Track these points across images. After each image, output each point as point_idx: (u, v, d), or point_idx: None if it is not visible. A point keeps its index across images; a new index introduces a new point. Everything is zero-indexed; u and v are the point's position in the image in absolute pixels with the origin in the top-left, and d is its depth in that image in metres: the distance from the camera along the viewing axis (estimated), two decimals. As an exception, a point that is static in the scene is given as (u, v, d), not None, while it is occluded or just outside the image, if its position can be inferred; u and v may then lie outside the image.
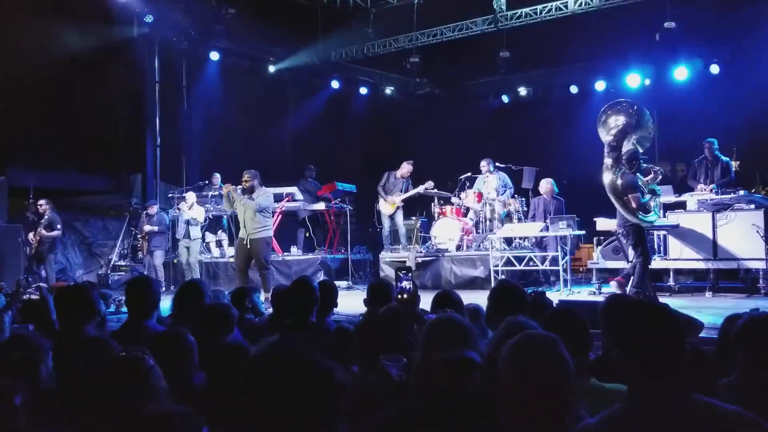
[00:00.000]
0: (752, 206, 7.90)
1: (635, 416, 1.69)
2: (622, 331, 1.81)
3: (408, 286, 2.56)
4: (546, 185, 10.04)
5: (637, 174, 6.98)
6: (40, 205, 9.86)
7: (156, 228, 10.22)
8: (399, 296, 2.53)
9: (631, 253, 7.27)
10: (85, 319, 3.38)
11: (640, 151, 7.14)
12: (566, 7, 11.18)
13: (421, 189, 10.58)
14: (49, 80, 10.57)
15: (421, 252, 10.37)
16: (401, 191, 10.71)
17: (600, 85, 13.28)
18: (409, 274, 2.70)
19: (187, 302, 3.82)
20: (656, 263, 8.32)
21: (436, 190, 10.93)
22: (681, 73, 12.06)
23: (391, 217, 10.84)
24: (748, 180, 9.44)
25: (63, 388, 2.41)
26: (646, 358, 1.71)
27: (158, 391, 2.17)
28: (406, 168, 10.79)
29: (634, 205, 6.84)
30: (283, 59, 13.28)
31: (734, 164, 8.86)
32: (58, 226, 9.94)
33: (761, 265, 7.63)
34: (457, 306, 3.47)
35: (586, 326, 2.86)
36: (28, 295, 3.76)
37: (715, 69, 11.73)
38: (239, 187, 7.83)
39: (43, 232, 9.75)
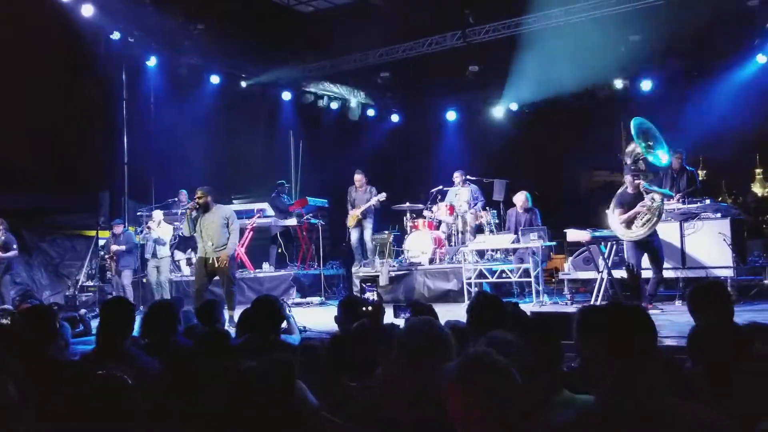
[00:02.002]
0: (719, 215, 8.03)
1: (608, 411, 1.72)
2: (595, 330, 1.84)
3: (372, 298, 2.53)
4: (519, 197, 10.09)
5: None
6: None
7: (123, 247, 10.03)
8: (364, 308, 2.49)
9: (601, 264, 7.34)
10: (48, 341, 3.29)
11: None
12: (534, 22, 11.42)
13: (374, 201, 10.37)
14: (14, 98, 10.36)
15: (393, 266, 10.33)
16: (365, 201, 10.48)
17: (568, 98, 13.42)
18: (373, 285, 2.67)
19: (157, 323, 3.74)
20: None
21: (408, 204, 10.92)
22: (646, 84, 12.30)
23: (356, 229, 10.60)
24: (715, 189, 9.63)
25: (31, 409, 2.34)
26: (619, 357, 1.74)
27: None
28: (356, 178, 10.64)
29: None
30: (253, 75, 13.22)
31: (700, 174, 9.02)
32: (14, 246, 9.73)
33: (729, 273, 7.74)
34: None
35: (558, 337, 2.86)
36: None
37: (679, 80, 11.97)
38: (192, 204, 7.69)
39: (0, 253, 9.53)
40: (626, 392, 1.70)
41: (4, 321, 3.21)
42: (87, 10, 10.46)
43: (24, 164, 10.85)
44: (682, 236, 8.02)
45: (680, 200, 8.45)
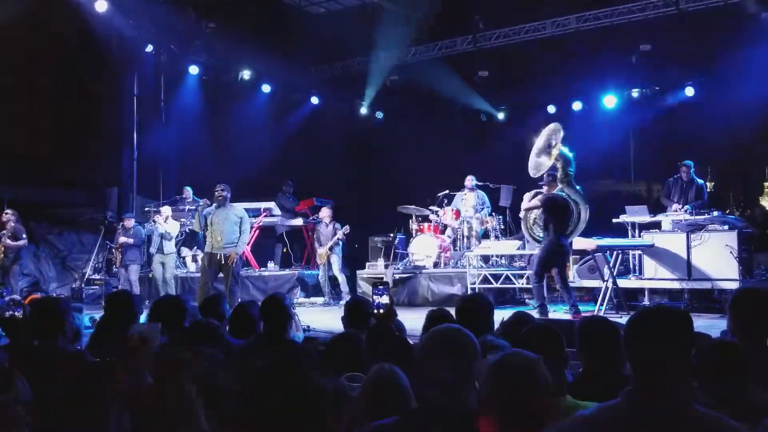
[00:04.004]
0: (726, 227, 8.02)
1: (632, 410, 1.73)
2: (628, 331, 1.85)
3: (383, 301, 2.54)
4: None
5: None
6: (5, 214, 9.69)
7: (131, 240, 10.06)
8: (375, 311, 2.51)
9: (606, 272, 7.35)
10: (58, 332, 3.31)
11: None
12: (544, 28, 11.45)
13: (339, 234, 10.21)
14: (25, 93, 10.43)
15: (398, 269, 10.34)
16: (330, 237, 10.29)
17: (577, 105, 13.43)
18: (385, 289, 2.68)
19: (161, 318, 3.76)
20: (631, 282, 8.41)
21: (414, 207, 10.92)
22: (657, 94, 12.27)
23: (325, 266, 10.35)
24: (723, 201, 9.60)
25: (40, 402, 2.36)
26: (645, 357, 1.77)
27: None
28: (324, 213, 10.52)
29: None
30: (263, 74, 13.27)
31: (708, 185, 9.02)
32: (24, 236, 9.76)
33: (735, 285, 7.71)
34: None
35: (563, 344, 2.87)
36: (11, 311, 3.69)
37: (690, 91, 11.93)
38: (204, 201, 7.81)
39: (8, 242, 9.57)
40: (654, 394, 1.72)
41: (17, 313, 3.23)
42: (100, 6, 10.52)
43: (33, 158, 10.92)
44: (688, 247, 8.00)
45: (687, 211, 8.44)
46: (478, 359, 1.95)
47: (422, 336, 2.28)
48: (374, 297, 2.67)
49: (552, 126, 7.96)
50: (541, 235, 7.60)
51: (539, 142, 7.90)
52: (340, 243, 10.35)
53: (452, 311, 3.51)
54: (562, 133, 7.75)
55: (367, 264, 10.98)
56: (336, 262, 10.29)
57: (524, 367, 1.81)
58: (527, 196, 8.01)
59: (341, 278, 10.30)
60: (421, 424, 1.85)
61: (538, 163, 7.81)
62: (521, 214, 8.28)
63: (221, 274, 7.75)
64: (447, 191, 10.97)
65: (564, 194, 7.49)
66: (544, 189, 7.59)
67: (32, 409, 2.17)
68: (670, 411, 1.71)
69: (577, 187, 7.80)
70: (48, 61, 10.52)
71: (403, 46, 12.78)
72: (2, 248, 9.55)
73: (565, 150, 7.72)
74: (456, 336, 1.96)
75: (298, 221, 11.47)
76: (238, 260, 7.77)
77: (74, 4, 10.37)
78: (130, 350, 2.16)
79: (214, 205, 7.85)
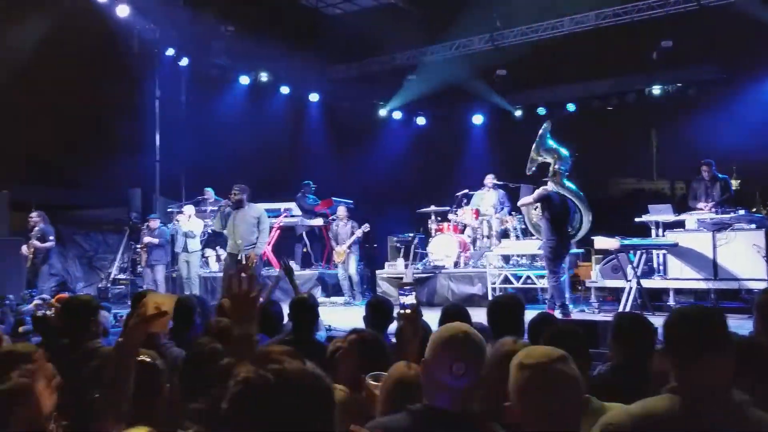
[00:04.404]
0: (753, 226, 7.88)
1: (685, 408, 1.74)
2: (673, 329, 1.87)
3: (408, 301, 2.55)
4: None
5: None
6: (31, 218, 9.87)
7: (156, 240, 10.19)
8: (402, 311, 2.52)
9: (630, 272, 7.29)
10: (88, 330, 3.37)
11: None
12: (562, 26, 11.36)
13: (359, 233, 10.26)
14: (50, 97, 10.61)
15: (418, 268, 10.33)
16: (348, 235, 10.34)
17: (596, 103, 13.31)
18: (411, 289, 2.69)
19: (175, 318, 3.80)
20: (656, 282, 8.31)
21: (433, 207, 10.90)
22: (677, 91, 12.11)
23: (344, 264, 10.39)
24: (749, 199, 9.46)
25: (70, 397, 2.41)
26: (692, 355, 1.78)
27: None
28: (340, 211, 10.60)
29: None
30: (281, 76, 13.34)
31: (734, 183, 8.90)
32: (51, 237, 9.91)
33: (763, 285, 7.58)
34: (467, 321, 3.44)
35: (586, 345, 2.85)
36: (42, 310, 3.77)
37: (711, 87, 11.77)
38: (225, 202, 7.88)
39: (37, 243, 9.74)
40: (704, 392, 1.74)
41: (48, 313, 3.29)
42: (122, 11, 10.67)
43: (59, 161, 11.13)
44: (714, 247, 7.87)
45: (712, 209, 8.32)
46: (483, 359, 1.92)
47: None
48: (400, 297, 2.68)
49: (544, 125, 8.35)
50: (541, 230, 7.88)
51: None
52: (358, 241, 10.39)
53: (472, 311, 3.52)
54: (549, 130, 8.27)
55: (386, 264, 10.98)
56: (353, 261, 10.34)
57: (561, 367, 1.80)
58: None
59: (356, 278, 10.35)
60: (426, 423, 1.84)
61: (530, 159, 8.31)
62: (523, 210, 8.84)
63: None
64: (466, 190, 10.93)
65: (556, 191, 7.68)
66: (549, 186, 7.76)
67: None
68: (720, 407, 1.71)
69: (573, 188, 7.91)
70: (71, 65, 10.67)
71: (420, 45, 12.77)
72: (32, 249, 9.73)
73: (553, 144, 8.05)
74: (460, 336, 1.92)
75: (318, 221, 11.52)
76: (258, 260, 7.82)
77: (97, 9, 10.54)
78: (145, 318, 2.07)
79: (230, 206, 7.89)
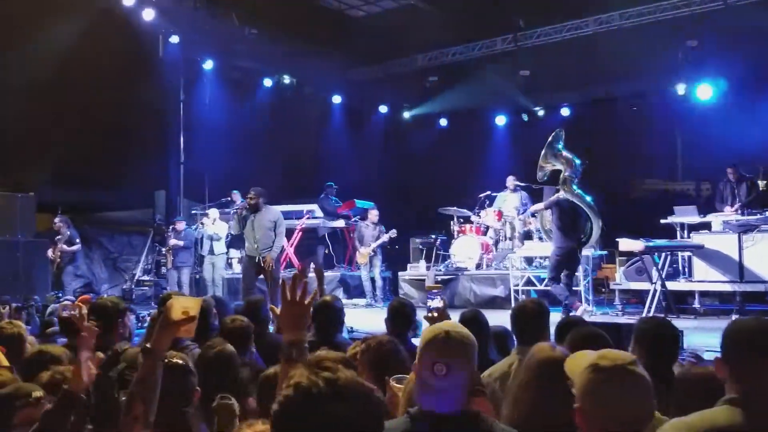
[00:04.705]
0: (780, 227, 7.77)
1: (741, 420, 1.74)
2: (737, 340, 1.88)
3: (437, 305, 2.56)
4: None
5: None
6: (55, 223, 10.09)
7: (182, 243, 10.33)
8: (430, 314, 2.53)
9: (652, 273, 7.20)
10: (115, 331, 3.45)
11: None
12: (586, 26, 11.27)
13: (385, 238, 10.33)
14: (76, 99, 10.79)
15: (440, 270, 10.33)
16: (374, 238, 10.41)
17: (621, 104, 13.15)
18: (439, 292, 2.71)
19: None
20: (681, 285, 8.22)
21: (455, 209, 10.89)
22: (705, 91, 11.91)
23: (367, 266, 10.46)
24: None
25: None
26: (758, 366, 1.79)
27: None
28: (372, 213, 10.64)
29: None
30: (305, 78, 13.43)
31: (761, 184, 8.79)
32: (77, 241, 10.16)
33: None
34: (481, 327, 3.45)
35: (613, 348, 2.84)
36: (68, 311, 3.85)
37: (737, 88, 11.57)
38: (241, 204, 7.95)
39: (64, 247, 9.97)
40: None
41: (75, 313, 3.36)
42: (148, 15, 10.83)
43: (84, 163, 11.28)
44: (740, 249, 7.78)
45: (738, 211, 8.21)
46: (469, 358, 1.88)
47: None
48: (427, 301, 2.70)
49: (555, 132, 8.31)
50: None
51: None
52: (383, 246, 10.41)
53: (494, 313, 3.51)
54: (559, 137, 8.14)
55: (409, 265, 11.00)
56: (378, 264, 10.35)
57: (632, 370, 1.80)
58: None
59: (379, 282, 10.39)
60: (420, 426, 1.83)
61: (539, 167, 8.30)
62: (536, 215, 8.97)
63: (262, 276, 7.91)
64: (488, 192, 10.90)
65: (566, 198, 7.66)
66: (560, 193, 7.78)
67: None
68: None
69: (580, 191, 7.87)
70: (98, 69, 10.85)
71: (443, 46, 12.77)
72: (59, 252, 9.95)
73: (563, 152, 8.02)
74: (441, 336, 1.88)
75: (340, 223, 11.58)
76: (276, 263, 7.88)
77: (123, 13, 10.71)
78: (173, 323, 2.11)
79: (246, 210, 7.95)
